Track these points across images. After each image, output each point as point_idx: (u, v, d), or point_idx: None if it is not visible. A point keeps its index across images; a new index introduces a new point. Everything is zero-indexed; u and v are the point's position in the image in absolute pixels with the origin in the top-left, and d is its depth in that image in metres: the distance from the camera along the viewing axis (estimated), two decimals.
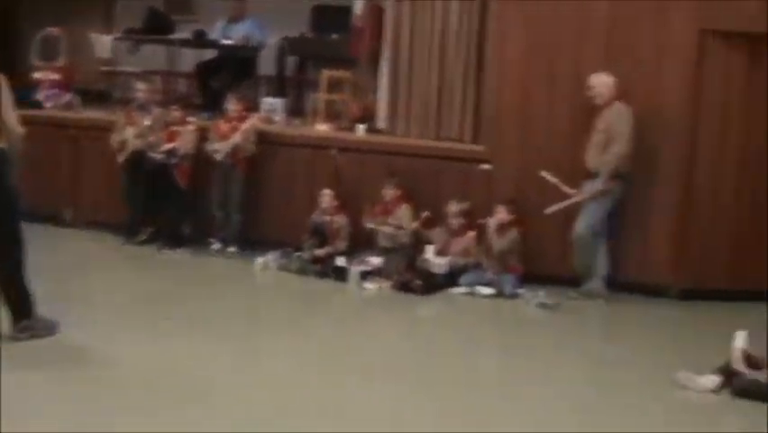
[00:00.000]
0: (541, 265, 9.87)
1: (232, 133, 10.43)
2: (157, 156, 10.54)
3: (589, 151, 9.53)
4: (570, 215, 9.59)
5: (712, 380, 7.06)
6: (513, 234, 9.70)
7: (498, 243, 9.65)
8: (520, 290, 9.52)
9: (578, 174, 9.65)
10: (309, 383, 6.65)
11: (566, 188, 9.54)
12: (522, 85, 10.07)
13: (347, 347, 7.65)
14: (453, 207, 9.87)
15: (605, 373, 7.56)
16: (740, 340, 7.15)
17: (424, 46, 10.74)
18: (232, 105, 10.65)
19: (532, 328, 8.84)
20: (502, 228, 9.69)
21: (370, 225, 10.00)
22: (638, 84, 9.78)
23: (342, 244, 10.08)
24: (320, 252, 10.00)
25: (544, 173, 9.59)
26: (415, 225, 9.89)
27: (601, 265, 9.67)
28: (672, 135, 9.79)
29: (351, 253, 10.02)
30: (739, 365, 7.06)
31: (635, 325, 9.11)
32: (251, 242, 10.51)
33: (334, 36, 13.73)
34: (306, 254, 10.02)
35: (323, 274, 9.79)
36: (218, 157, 10.41)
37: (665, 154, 9.82)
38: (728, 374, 7.07)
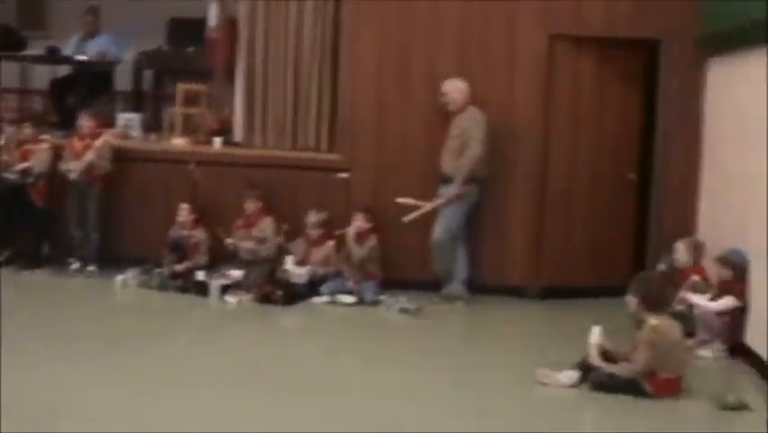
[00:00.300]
0: (401, 271, 9.94)
1: (85, 151, 10.21)
2: (11, 176, 10.30)
3: (444, 156, 9.63)
4: (428, 220, 9.68)
5: (570, 375, 7.20)
6: (372, 241, 9.75)
7: (358, 251, 9.68)
8: (381, 297, 9.55)
9: (434, 179, 9.77)
10: (170, 398, 6.58)
11: (423, 204, 9.62)
12: (376, 92, 10.13)
13: (209, 360, 7.57)
14: (312, 218, 9.88)
15: (466, 374, 7.67)
16: (595, 336, 7.29)
17: (278, 56, 10.71)
18: (85, 123, 10.44)
19: (394, 333, 8.90)
20: (361, 236, 9.73)
21: (230, 241, 9.90)
22: (491, 89, 9.94)
23: (202, 259, 9.97)
24: (180, 267, 9.87)
25: (399, 200, 9.66)
26: (279, 239, 9.85)
27: (461, 268, 9.77)
28: (526, 138, 9.97)
29: (211, 266, 9.92)
30: (596, 360, 7.20)
31: (495, 325, 9.24)
32: (110, 260, 10.30)
33: (191, 49, 13.60)
34: (166, 270, 9.89)
35: (183, 289, 9.68)
36: (72, 176, 10.18)
37: (519, 157, 9.99)
38: (586, 369, 7.22)
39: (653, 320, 7.09)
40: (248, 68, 10.85)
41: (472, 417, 6.58)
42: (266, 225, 9.99)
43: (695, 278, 8.71)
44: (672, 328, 7.20)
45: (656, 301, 7.23)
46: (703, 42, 9.71)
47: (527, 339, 8.84)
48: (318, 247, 9.88)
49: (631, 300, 7.26)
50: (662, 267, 9.11)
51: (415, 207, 9.62)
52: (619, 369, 7.11)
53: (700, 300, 8.37)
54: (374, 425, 6.25)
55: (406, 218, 9.61)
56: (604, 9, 9.94)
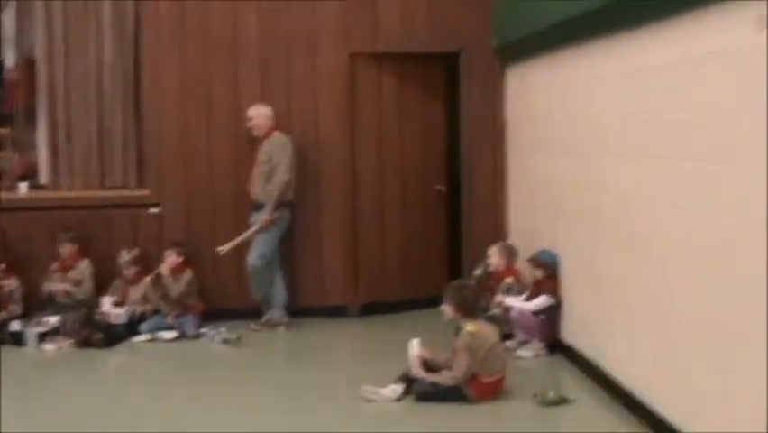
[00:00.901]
0: (220, 301, 9.90)
1: None
2: None
3: (252, 182, 9.61)
4: (243, 248, 9.65)
5: (393, 389, 7.25)
6: (188, 275, 9.66)
7: (175, 287, 9.56)
8: (202, 330, 9.45)
9: (244, 206, 9.76)
10: None
11: (241, 237, 9.61)
12: (180, 123, 10.07)
13: (28, 411, 7.37)
14: (125, 256, 9.73)
15: (293, 398, 7.62)
16: (414, 348, 7.36)
17: (79, 94, 10.48)
18: None
19: (217, 365, 8.79)
20: (175, 272, 9.61)
21: (48, 287, 9.66)
22: (295, 110, 10.02)
23: (16, 308, 9.65)
24: None
25: (219, 249, 9.61)
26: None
27: (279, 293, 9.76)
28: (333, 158, 10.08)
29: (26, 315, 9.62)
30: (417, 372, 7.26)
31: (317, 347, 9.22)
32: None
33: None
34: None
35: None
36: None
37: (328, 177, 10.09)
38: (409, 382, 7.28)
39: (469, 326, 7.19)
40: (50, 108, 10.60)
41: None
42: (82, 268, 9.77)
43: (508, 280, 8.91)
44: (488, 332, 7.32)
45: (470, 307, 7.33)
46: (500, 52, 9.94)
47: (350, 357, 8.91)
48: (134, 286, 9.70)
49: (446, 309, 7.34)
50: (477, 273, 9.28)
51: (227, 225, 9.70)
52: (441, 378, 7.19)
53: (515, 301, 8.56)
54: None
55: (221, 249, 9.57)
56: (401, 26, 10.09)
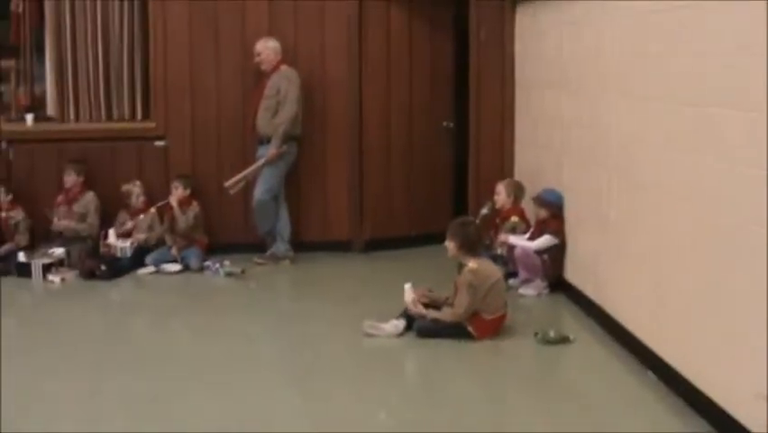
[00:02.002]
0: (225, 235, 9.94)
1: None
2: None
3: (259, 116, 9.57)
4: (248, 182, 9.66)
5: (396, 325, 7.29)
6: (194, 208, 9.67)
7: (182, 219, 9.57)
8: (207, 263, 9.47)
9: (250, 140, 9.78)
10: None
11: (248, 170, 9.63)
12: (188, 55, 10.00)
13: (36, 338, 7.45)
14: (131, 187, 9.73)
15: (295, 330, 7.72)
16: (408, 293, 7.38)
17: (86, 26, 10.40)
18: None
19: (222, 297, 8.84)
20: (182, 204, 9.61)
21: (55, 226, 9.70)
22: (302, 46, 9.95)
23: (22, 239, 9.69)
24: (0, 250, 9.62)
25: (226, 184, 9.63)
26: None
27: (284, 228, 9.78)
28: (340, 94, 10.05)
29: (32, 246, 9.67)
30: (417, 309, 7.28)
31: (321, 282, 9.28)
32: None
33: None
34: None
35: (5, 272, 9.36)
36: None
37: (335, 113, 10.08)
38: (411, 317, 7.31)
39: (471, 263, 7.20)
40: (56, 39, 10.56)
41: (303, 371, 6.64)
42: (87, 201, 9.78)
43: (513, 219, 8.91)
44: (490, 270, 7.33)
45: (473, 245, 7.33)
46: None
47: (353, 292, 8.87)
48: (140, 217, 9.73)
49: (449, 246, 7.35)
50: (484, 211, 9.21)
51: (233, 159, 9.74)
52: (442, 315, 7.22)
53: (519, 240, 8.55)
54: (206, 389, 6.24)
55: (228, 183, 9.59)
56: None
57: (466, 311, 7.12)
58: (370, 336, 7.25)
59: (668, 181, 6.02)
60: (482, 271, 7.21)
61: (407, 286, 7.41)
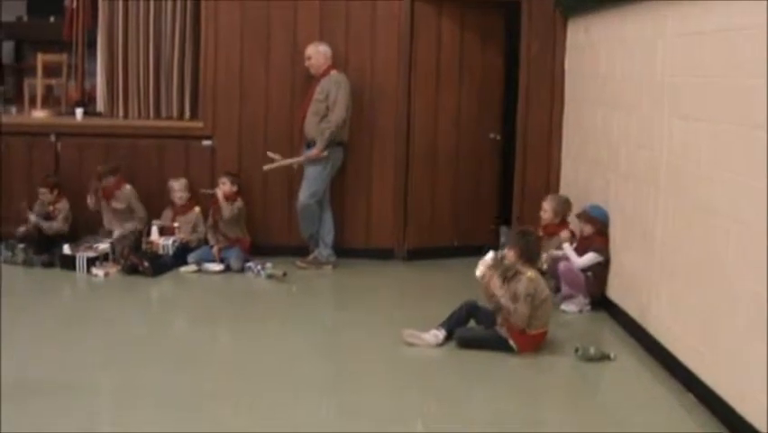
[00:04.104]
0: (268, 237, 9.98)
1: None
2: None
3: (308, 119, 9.58)
4: (293, 186, 9.73)
5: (436, 334, 7.26)
6: (239, 203, 9.70)
7: (227, 209, 9.58)
8: (248, 264, 9.48)
9: (297, 144, 9.82)
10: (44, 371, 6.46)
11: (288, 160, 9.65)
12: (238, 57, 10.04)
13: (81, 333, 7.47)
14: (176, 185, 9.78)
15: (335, 337, 7.72)
16: (481, 267, 7.31)
17: (138, 24, 10.52)
18: None
19: (262, 300, 8.85)
20: (228, 199, 9.64)
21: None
22: (353, 52, 9.96)
23: (65, 229, 9.77)
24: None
25: (265, 167, 9.66)
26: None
27: (327, 232, 9.78)
28: (389, 102, 10.04)
29: (76, 239, 9.73)
30: (494, 283, 7.20)
31: (362, 288, 9.25)
32: None
33: (52, 19, 13.27)
34: (31, 245, 9.65)
35: (49, 264, 9.47)
36: None
37: (383, 120, 10.07)
38: (452, 327, 7.29)
39: (530, 273, 7.17)
40: (108, 36, 10.65)
41: (342, 378, 6.62)
42: (126, 194, 9.81)
43: (564, 235, 8.85)
44: (543, 283, 7.31)
45: (532, 255, 7.33)
46: (562, 2, 9.83)
47: (394, 300, 8.88)
48: (184, 215, 9.79)
49: (509, 253, 7.29)
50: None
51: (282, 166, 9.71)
52: (510, 305, 7.08)
53: (573, 255, 8.47)
54: (243, 391, 6.23)
55: (266, 167, 9.64)
56: None
57: (524, 321, 7.06)
58: (409, 344, 7.22)
59: (718, 203, 5.97)
60: (539, 282, 7.19)
61: (489, 256, 7.37)
